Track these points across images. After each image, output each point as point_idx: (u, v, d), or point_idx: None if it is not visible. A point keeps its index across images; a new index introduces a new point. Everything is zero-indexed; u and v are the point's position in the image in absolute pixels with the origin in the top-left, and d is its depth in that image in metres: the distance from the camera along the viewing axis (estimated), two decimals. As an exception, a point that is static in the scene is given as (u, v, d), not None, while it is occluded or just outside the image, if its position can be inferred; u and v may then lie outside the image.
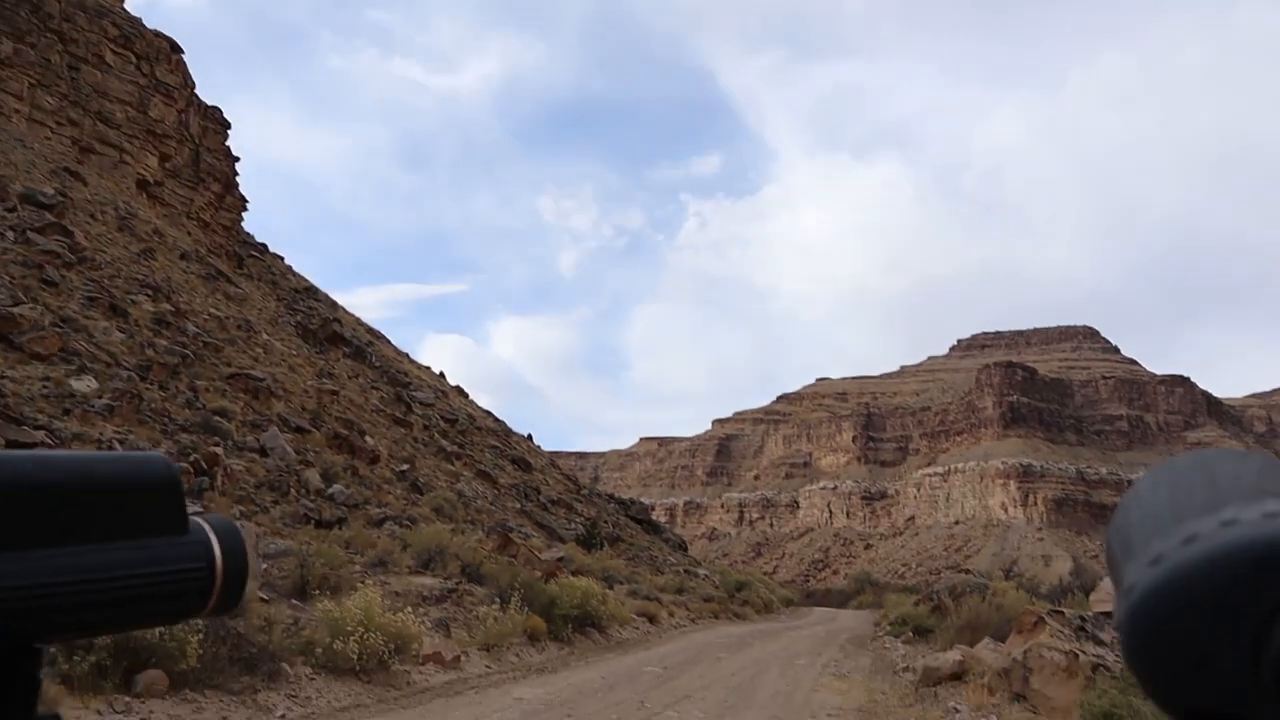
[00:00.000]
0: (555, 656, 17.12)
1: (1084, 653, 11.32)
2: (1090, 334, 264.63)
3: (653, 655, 18.86)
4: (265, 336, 37.75)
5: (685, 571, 45.10)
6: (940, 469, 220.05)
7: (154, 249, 37.52)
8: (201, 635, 9.34)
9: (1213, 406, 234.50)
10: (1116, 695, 6.26)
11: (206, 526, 0.87)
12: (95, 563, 0.77)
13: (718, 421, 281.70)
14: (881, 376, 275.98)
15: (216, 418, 23.71)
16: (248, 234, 57.48)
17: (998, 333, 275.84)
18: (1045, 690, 11.12)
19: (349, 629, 11.40)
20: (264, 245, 59.36)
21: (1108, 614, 13.11)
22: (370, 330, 64.27)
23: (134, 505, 0.81)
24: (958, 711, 11.45)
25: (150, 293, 31.25)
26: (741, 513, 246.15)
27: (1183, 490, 0.56)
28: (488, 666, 14.69)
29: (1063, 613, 12.67)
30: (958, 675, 14.12)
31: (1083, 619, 12.49)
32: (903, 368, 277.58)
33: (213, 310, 35.62)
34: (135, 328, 27.30)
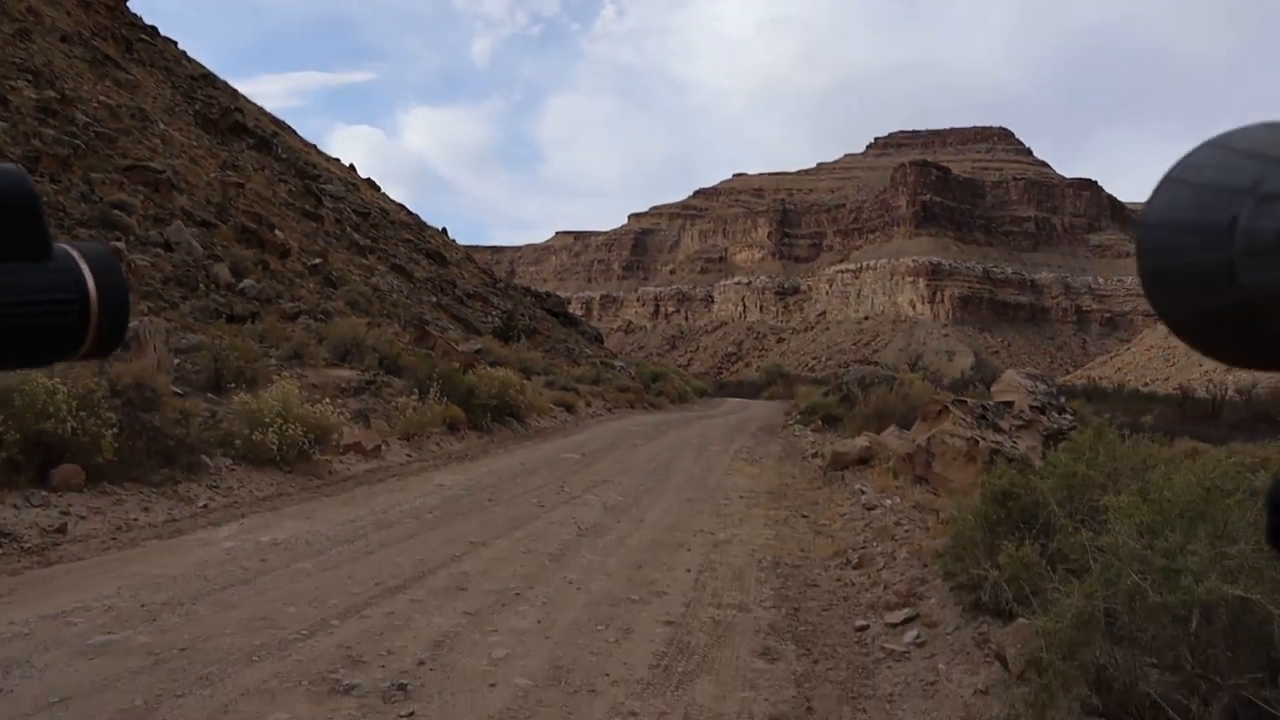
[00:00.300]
0: (475, 445, 17.42)
1: (984, 439, 11.87)
2: (1005, 135, 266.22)
3: (571, 443, 19.32)
4: (162, 127, 35.87)
5: (601, 363, 45.81)
6: (852, 266, 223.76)
7: (30, 30, 34.83)
8: (116, 429, 9.22)
9: (1116, 210, 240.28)
10: (1014, 475, 6.57)
11: (75, 254, 0.74)
12: None
13: (634, 216, 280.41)
14: (798, 173, 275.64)
15: (116, 211, 22.72)
16: (134, 15, 53.70)
17: (914, 132, 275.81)
18: (946, 473, 11.69)
19: (267, 420, 11.37)
20: (153, 28, 55.54)
21: (1008, 404, 13.71)
22: (275, 120, 61.51)
23: None
24: (863, 493, 12.01)
25: (30, 78, 29.18)
26: (657, 306, 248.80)
27: (1248, 143, 0.53)
28: (408, 455, 14.90)
29: (965, 402, 13.18)
30: (864, 460, 14.74)
31: (984, 408, 13.01)
32: (819, 165, 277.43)
33: (102, 98, 33.54)
34: (18, 116, 25.62)
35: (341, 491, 11.41)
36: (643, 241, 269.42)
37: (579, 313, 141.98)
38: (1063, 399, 14.81)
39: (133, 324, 13.40)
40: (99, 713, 4.41)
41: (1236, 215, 0.50)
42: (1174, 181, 0.56)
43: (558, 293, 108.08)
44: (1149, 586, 4.13)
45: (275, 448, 11.33)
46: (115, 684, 4.77)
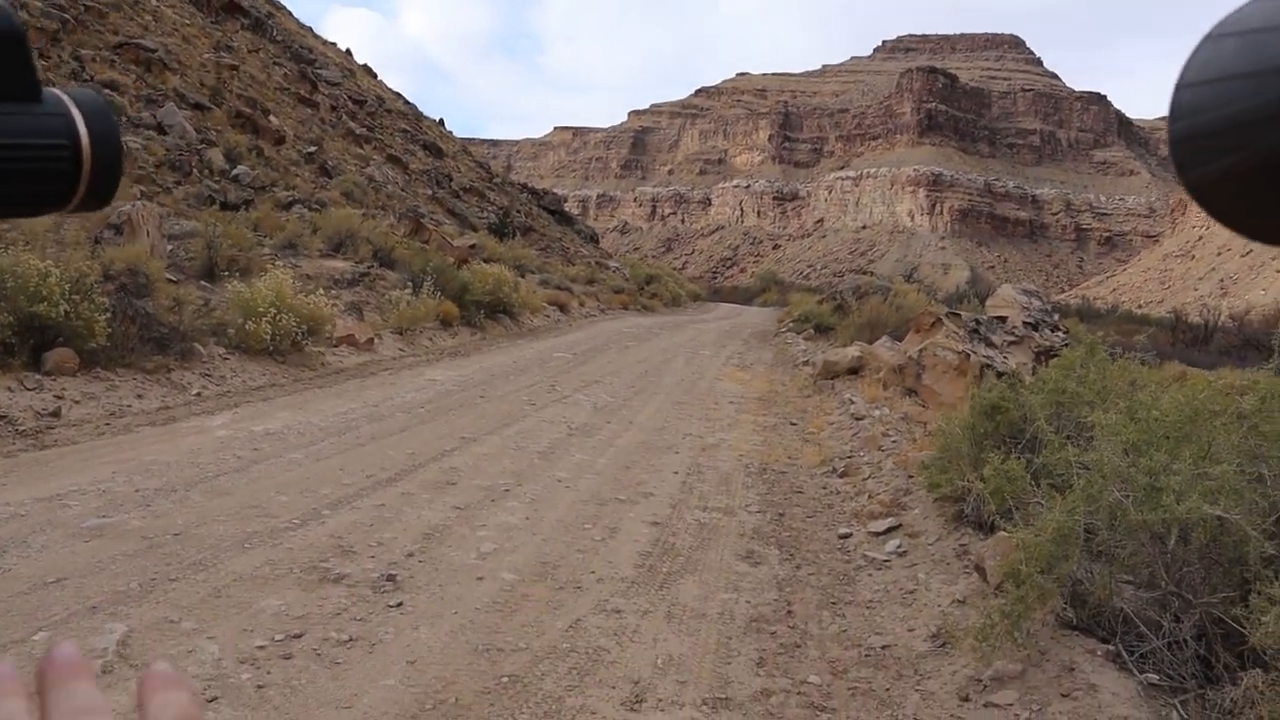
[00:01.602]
0: (467, 341, 17.44)
1: (975, 353, 11.91)
2: (1016, 43, 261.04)
3: (563, 342, 19.37)
4: (154, 3, 34.97)
5: (596, 263, 45.66)
6: (853, 173, 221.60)
7: (20, -107, 33.70)
8: (109, 314, 9.20)
9: (1123, 127, 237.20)
10: (1004, 389, 6.62)
11: (66, 98, 0.70)
12: None
13: (634, 113, 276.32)
14: (803, 75, 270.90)
15: (107, 90, 22.28)
16: (126, -119, 51.93)
17: (924, 36, 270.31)
18: (936, 386, 11.76)
19: (260, 310, 11.35)
20: (146, -104, 53.79)
21: (1001, 319, 13.72)
22: (270, 0, 60.02)
23: None
24: (853, 403, 12.10)
25: (20, -56, 28.34)
26: (654, 207, 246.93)
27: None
28: (401, 349, 14.92)
29: (959, 315, 13.18)
30: (855, 370, 14.81)
31: (977, 322, 13.03)
32: (825, 67, 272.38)
33: (93, -32, 32.63)
34: (5, -17, 24.92)
35: (334, 383, 11.46)
36: (642, 140, 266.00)
37: (575, 211, 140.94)
38: (1056, 317, 14.82)
39: (125, 208, 13.28)
40: (94, 593, 4.49)
41: None
42: (1215, 38, 0.53)
43: (554, 190, 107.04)
44: (1130, 504, 4.19)
45: (268, 338, 11.33)
46: (110, 566, 4.85)
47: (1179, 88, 0.54)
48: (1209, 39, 0.53)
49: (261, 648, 4.14)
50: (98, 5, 28.35)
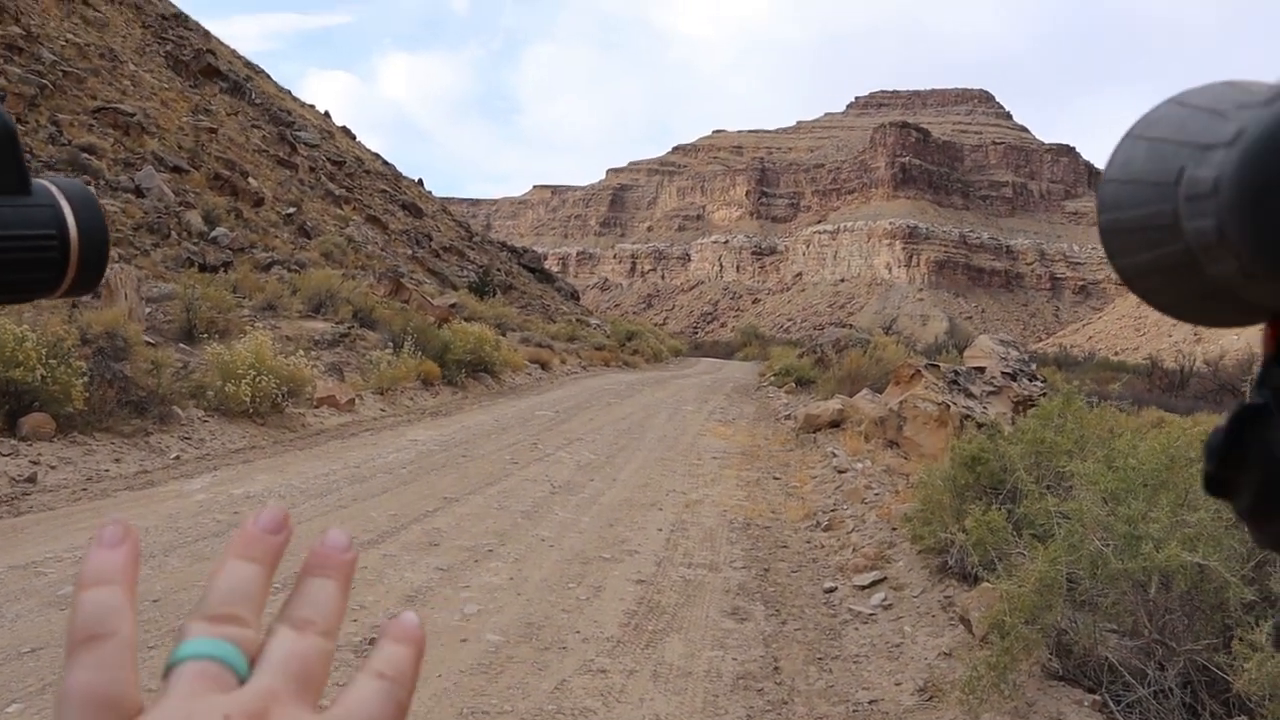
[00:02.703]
0: (449, 400, 17.41)
1: (955, 404, 11.98)
2: (985, 98, 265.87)
3: (545, 400, 19.34)
4: (133, 68, 35.21)
5: (577, 320, 45.76)
6: (830, 227, 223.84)
7: (-2, -38, 34.03)
8: (86, 378, 9.16)
9: (1094, 177, 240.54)
10: (984, 441, 6.66)
11: (54, 189, 0.73)
12: None
13: (612, 171, 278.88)
14: (777, 131, 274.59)
15: (85, 155, 22.35)
16: (105, -50, 52.51)
17: (895, 92, 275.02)
18: (917, 438, 11.81)
19: (240, 372, 11.32)
20: (125, -37, 54.37)
21: (980, 369, 13.83)
22: (248, 64, 60.49)
23: None
24: (835, 456, 12.12)
25: (-3, 13, 28.54)
26: (633, 264, 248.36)
27: (1210, 96, 0.55)
28: (382, 410, 14.88)
29: (938, 367, 13.28)
30: (836, 423, 14.86)
31: (956, 373, 13.12)
32: (799, 123, 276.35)
33: (70, 36, 32.84)
34: (-16, 51, 25.09)
35: (315, 445, 11.40)
36: (620, 197, 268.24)
37: (555, 269, 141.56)
38: (1034, 366, 14.95)
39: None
40: (71, 663, 4.42)
41: (1184, 166, 0.53)
42: (1132, 138, 0.58)
43: (534, 248, 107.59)
44: (1111, 553, 4.22)
45: (248, 400, 11.29)
46: (87, 634, 4.77)
47: (1105, 180, 0.59)
48: (1128, 138, 0.58)
49: (242, 715, 4.07)
50: (76, 70, 28.53)
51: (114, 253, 17.28)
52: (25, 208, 0.70)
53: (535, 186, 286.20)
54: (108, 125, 26.00)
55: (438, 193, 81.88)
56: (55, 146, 22.01)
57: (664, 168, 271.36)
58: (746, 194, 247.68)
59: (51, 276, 0.72)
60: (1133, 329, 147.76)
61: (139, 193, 22.40)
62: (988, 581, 5.06)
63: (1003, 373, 13.63)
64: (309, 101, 67.07)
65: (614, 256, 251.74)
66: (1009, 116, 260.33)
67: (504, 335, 25.59)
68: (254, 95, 47.78)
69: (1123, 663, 4.22)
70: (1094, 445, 6.15)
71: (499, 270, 51.80)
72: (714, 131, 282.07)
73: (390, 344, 17.29)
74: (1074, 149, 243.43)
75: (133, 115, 27.30)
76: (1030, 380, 13.89)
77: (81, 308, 12.01)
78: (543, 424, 15.23)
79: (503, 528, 7.88)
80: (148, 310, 14.03)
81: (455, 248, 51.96)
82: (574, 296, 68.03)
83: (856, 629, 5.91)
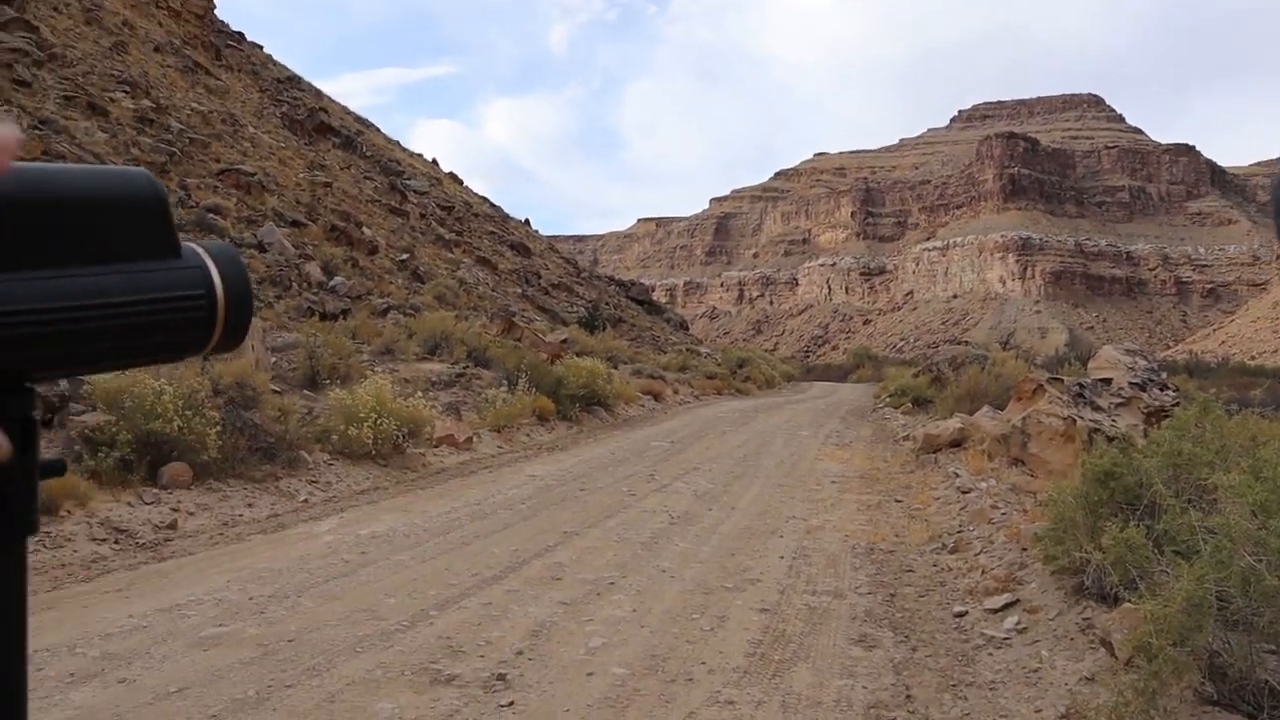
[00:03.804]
0: (564, 435, 17.56)
1: (1081, 418, 11.57)
2: (1095, 102, 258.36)
3: (659, 431, 19.37)
4: (252, 130, 36.82)
5: (687, 350, 45.80)
6: (939, 243, 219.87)
7: (126, 42, 35.99)
8: (219, 427, 9.52)
9: (1216, 176, 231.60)
10: (1117, 454, 6.39)
11: (202, 251, 0.77)
12: (80, 288, 0.69)
13: (715, 200, 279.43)
14: (880, 150, 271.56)
15: (211, 215, 23.43)
16: (222, 22, 55.05)
17: (999, 102, 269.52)
18: (1043, 454, 11.44)
19: (362, 415, 11.62)
20: (240, 34, 56.86)
21: (1106, 381, 13.33)
22: (358, 119, 62.69)
23: (115, 226, 0.71)
24: (958, 476, 11.82)
25: (128, 89, 30.20)
26: (741, 291, 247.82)
27: None
28: (500, 447, 15.09)
29: (1061, 380, 12.85)
30: (957, 443, 14.50)
31: (1081, 385, 12.68)
32: (902, 140, 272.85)
33: (195, 105, 34.54)
34: (117, 126, 26.55)
35: (436, 484, 11.61)
36: (725, 225, 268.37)
37: (663, 300, 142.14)
38: (1164, 375, 14.35)
39: (231, 325, 13.80)
40: (214, 702, 4.56)
41: None
42: None
43: (641, 280, 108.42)
44: (1265, 569, 3.99)
45: (370, 442, 11.58)
46: (228, 675, 4.93)
47: None
48: None
49: (377, 753, 4.14)
50: (200, 137, 29.98)
51: (240, 306, 17.98)
52: (176, 270, 0.74)
53: (640, 219, 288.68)
54: (231, 186, 27.21)
55: (544, 231, 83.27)
56: (184, 209, 23.10)
57: (767, 194, 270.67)
58: (852, 215, 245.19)
59: (201, 335, 0.76)
60: (1270, 331, 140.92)
61: (261, 248, 23.32)
62: (1129, 602, 4.84)
63: (1130, 383, 13.12)
64: (417, 150, 69.08)
65: (721, 284, 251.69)
66: (1121, 119, 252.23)
67: (616, 368, 25.75)
68: (365, 148, 49.42)
69: (1283, 684, 3.98)
70: (1237, 455, 5.86)
71: (608, 304, 52.27)
72: (816, 154, 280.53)
73: (505, 382, 17.55)
74: (1194, 148, 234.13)
75: (253, 175, 28.52)
76: (1161, 390, 13.33)
77: (212, 360, 12.51)
78: (658, 455, 15.24)
79: (623, 560, 7.89)
80: (273, 359, 14.54)
81: (564, 284, 52.66)
82: (683, 326, 68.18)
83: (990, 654, 5.72)
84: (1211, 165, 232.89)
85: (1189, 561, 4.32)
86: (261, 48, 61.29)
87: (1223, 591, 4.12)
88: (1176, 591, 4.10)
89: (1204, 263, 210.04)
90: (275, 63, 59.90)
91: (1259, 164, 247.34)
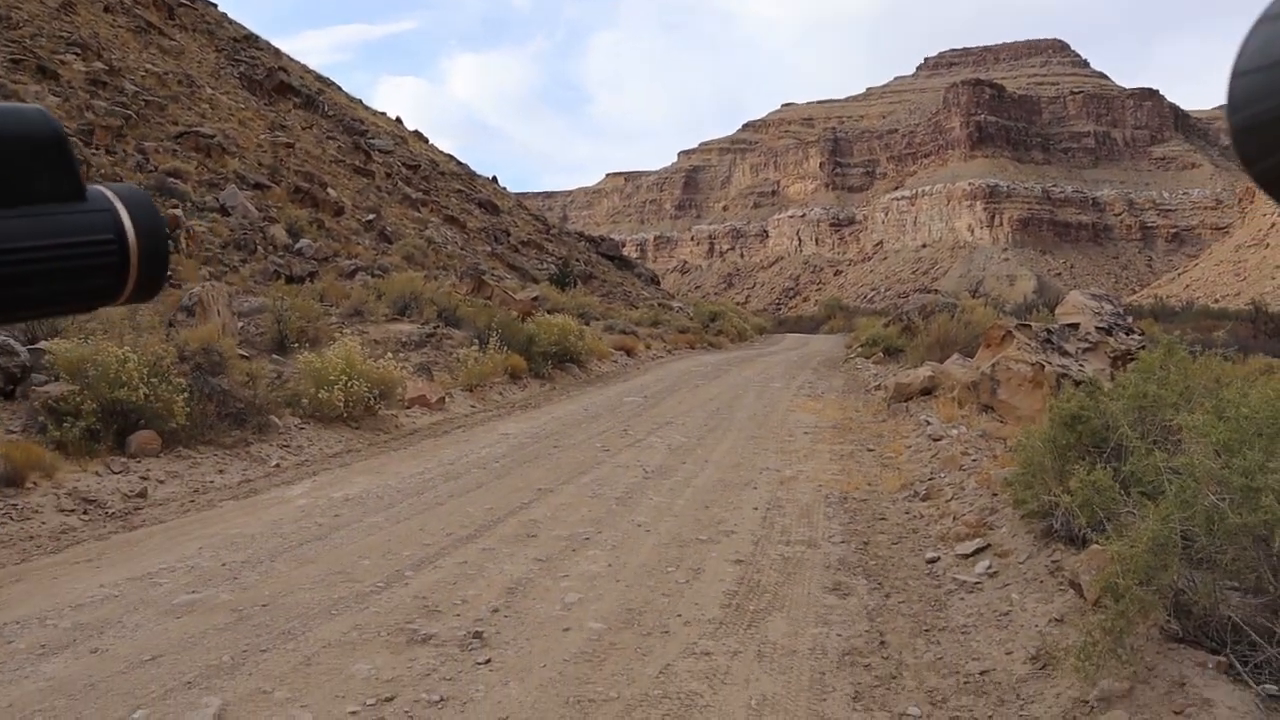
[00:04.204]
0: (537, 393, 17.54)
1: (1050, 363, 11.66)
2: (1060, 47, 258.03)
3: (632, 386, 19.38)
4: (210, 91, 36.12)
5: (659, 305, 45.77)
6: (908, 192, 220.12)
7: (74, 2, 35.13)
8: (187, 394, 9.43)
9: (1180, 120, 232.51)
10: (1083, 398, 6.45)
11: (110, 194, 0.72)
12: None
13: (683, 153, 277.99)
14: (847, 100, 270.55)
15: (171, 179, 23.01)
16: (176, -22, 53.83)
17: (965, 49, 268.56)
18: (1012, 400, 11.53)
19: (332, 378, 11.53)
20: (195, -10, 55.71)
21: (1073, 326, 13.43)
22: (319, 78, 61.65)
23: (8, 167, 0.66)
24: (929, 424, 11.91)
25: (79, 50, 29.47)
26: (711, 244, 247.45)
27: None
28: (472, 406, 15.05)
29: (1030, 326, 12.93)
30: (928, 390, 14.60)
31: (1049, 331, 12.77)
32: (869, 90, 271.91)
33: (149, 66, 33.80)
34: (69, 89, 25.93)
35: (409, 445, 11.58)
36: (694, 179, 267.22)
37: (633, 255, 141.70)
38: (1130, 319, 14.47)
39: (195, 289, 13.64)
40: (189, 668, 4.55)
41: None
42: (1270, 20, 0.51)
43: (611, 236, 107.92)
44: (1228, 507, 4.04)
45: (341, 405, 11.51)
46: (202, 641, 4.91)
47: (1235, 75, 0.51)
48: (1264, 21, 0.50)
49: (354, 713, 4.15)
50: (156, 99, 29.38)
51: (204, 270, 17.77)
52: (81, 214, 0.68)
53: (608, 174, 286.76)
54: (190, 149, 26.73)
55: (512, 188, 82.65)
56: (143, 174, 22.70)
57: (735, 146, 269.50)
58: (820, 166, 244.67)
59: (112, 283, 0.71)
60: (1232, 274, 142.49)
61: (224, 211, 22.99)
62: (1097, 543, 4.90)
63: (1097, 328, 13.22)
64: (380, 109, 68.14)
65: (691, 239, 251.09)
66: (1086, 64, 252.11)
67: (587, 325, 25.69)
68: (327, 108, 48.71)
69: (1247, 621, 4.05)
70: (1201, 396, 5.92)
71: (578, 261, 52.06)
72: (783, 105, 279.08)
73: (476, 341, 17.46)
74: (1157, 92, 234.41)
75: (213, 137, 28.02)
76: (1127, 334, 13.46)
77: (178, 326, 12.38)
78: (632, 410, 15.25)
79: (598, 516, 7.91)
80: (240, 324, 14.40)
81: (534, 241, 52.36)
82: (654, 281, 68.07)
83: (962, 599, 5.79)
84: (1175, 109, 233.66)
85: (1155, 502, 4.37)
86: (216, 5, 60.04)
87: (1187, 531, 4.17)
88: (1142, 532, 4.15)
89: (1168, 207, 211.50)
90: (231, 21, 58.71)
91: (1221, 106, 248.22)
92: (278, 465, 9.91)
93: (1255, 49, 0.50)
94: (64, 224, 0.67)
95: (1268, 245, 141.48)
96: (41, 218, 0.66)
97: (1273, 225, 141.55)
